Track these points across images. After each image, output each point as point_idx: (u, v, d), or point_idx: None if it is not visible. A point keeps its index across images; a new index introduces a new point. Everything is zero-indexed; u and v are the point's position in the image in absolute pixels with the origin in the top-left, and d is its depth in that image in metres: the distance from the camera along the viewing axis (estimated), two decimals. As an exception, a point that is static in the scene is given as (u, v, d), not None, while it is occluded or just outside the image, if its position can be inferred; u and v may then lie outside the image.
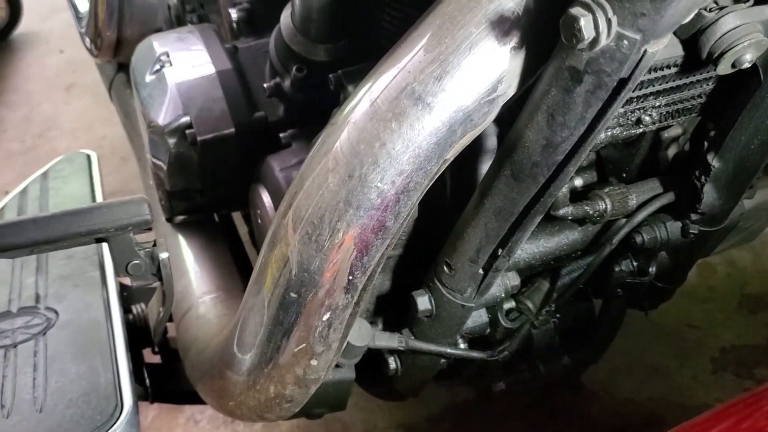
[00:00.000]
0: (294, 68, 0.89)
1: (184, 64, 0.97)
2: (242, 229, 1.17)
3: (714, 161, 0.78)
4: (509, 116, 0.60)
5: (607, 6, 0.46)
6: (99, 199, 1.09)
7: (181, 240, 1.02)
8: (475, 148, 0.73)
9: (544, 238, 0.85)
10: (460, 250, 0.70)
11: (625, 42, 0.47)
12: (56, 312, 0.86)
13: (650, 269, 0.88)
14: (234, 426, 1.40)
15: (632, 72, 0.50)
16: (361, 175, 0.57)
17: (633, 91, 0.69)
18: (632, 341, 1.29)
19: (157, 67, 0.97)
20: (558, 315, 0.94)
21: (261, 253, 0.67)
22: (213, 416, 1.42)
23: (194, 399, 0.94)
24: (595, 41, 0.47)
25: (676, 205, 0.84)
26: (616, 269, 0.89)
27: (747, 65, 0.63)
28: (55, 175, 1.15)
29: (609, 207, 0.82)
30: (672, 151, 0.87)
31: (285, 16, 0.90)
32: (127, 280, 0.87)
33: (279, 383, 0.69)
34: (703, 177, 0.79)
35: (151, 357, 1.00)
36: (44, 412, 0.72)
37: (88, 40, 1.33)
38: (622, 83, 0.51)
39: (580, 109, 0.53)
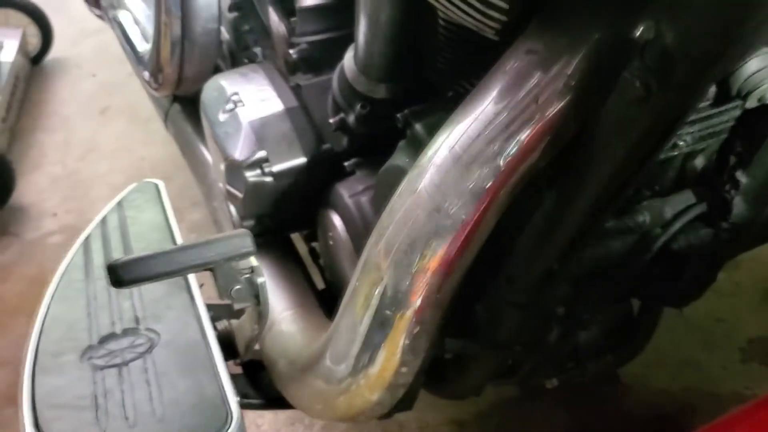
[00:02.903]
0: (358, 105, 0.99)
1: (255, 103, 1.07)
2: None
3: (742, 177, 0.87)
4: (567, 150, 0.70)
5: (657, 72, 0.56)
6: (174, 225, 1.19)
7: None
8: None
9: (590, 249, 0.95)
10: (521, 265, 0.80)
11: (672, 97, 0.57)
12: (156, 332, 0.97)
13: (684, 273, 0.98)
14: (293, 428, 1.51)
15: (675, 120, 0.60)
16: (447, 211, 0.68)
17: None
18: (664, 336, 1.38)
19: (230, 106, 1.08)
20: (601, 317, 1.04)
21: (353, 276, 0.78)
22: (273, 420, 1.53)
23: (278, 405, 1.05)
24: (646, 98, 0.57)
25: (708, 215, 0.93)
26: (654, 274, 0.99)
27: (771, 100, 0.73)
28: (129, 204, 1.25)
29: (648, 219, 0.92)
30: (700, 164, 0.97)
31: (348, 59, 1.00)
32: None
33: (370, 390, 0.80)
34: (732, 191, 0.89)
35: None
36: (164, 422, 0.83)
37: (147, 74, 1.44)
38: (668, 128, 0.61)
39: (630, 149, 0.63)
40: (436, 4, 0.72)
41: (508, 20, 0.66)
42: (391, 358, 0.75)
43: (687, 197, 0.94)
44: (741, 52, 0.56)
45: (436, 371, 0.97)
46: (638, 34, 0.61)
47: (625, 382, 1.43)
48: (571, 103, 0.64)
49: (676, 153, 0.85)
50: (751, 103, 0.73)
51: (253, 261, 0.85)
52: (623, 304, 1.07)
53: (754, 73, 0.71)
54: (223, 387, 0.87)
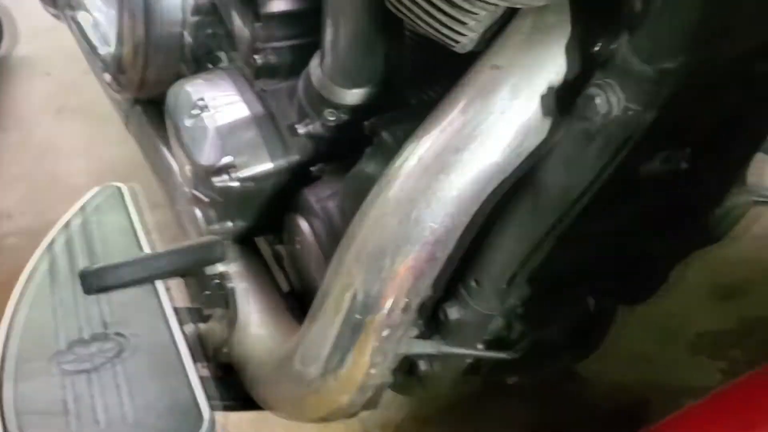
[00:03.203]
0: (324, 111, 1.01)
1: (221, 108, 1.08)
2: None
3: (694, 181, 0.92)
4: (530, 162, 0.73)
5: (617, 87, 0.60)
6: (139, 229, 1.20)
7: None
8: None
9: (551, 251, 0.98)
10: (487, 269, 0.83)
11: (630, 112, 0.61)
12: (125, 336, 0.97)
13: (639, 274, 1.03)
14: (258, 426, 1.52)
15: (633, 132, 0.64)
16: (417, 217, 0.70)
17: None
18: (619, 331, 1.44)
19: (196, 111, 1.08)
20: (560, 315, 1.08)
21: (324, 281, 0.80)
22: (237, 422, 1.54)
23: (247, 406, 1.07)
24: (607, 114, 0.61)
25: (660, 218, 0.98)
26: (611, 275, 1.03)
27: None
28: (92, 208, 1.26)
29: (604, 223, 0.96)
30: (655, 168, 1.01)
31: (314, 65, 1.02)
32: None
33: (340, 391, 0.82)
34: (685, 195, 0.94)
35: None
36: (136, 426, 0.84)
37: (108, 77, 1.43)
38: (627, 140, 0.64)
39: (591, 161, 0.67)
40: (404, 18, 0.74)
41: (473, 36, 0.68)
42: (361, 360, 0.78)
43: (641, 201, 0.98)
44: (698, 68, 0.59)
45: (402, 370, 0.99)
46: (599, 51, 0.65)
47: (584, 376, 1.48)
48: (535, 117, 0.67)
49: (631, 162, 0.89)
50: (699, 115, 0.77)
51: (223, 266, 0.86)
52: (581, 303, 1.11)
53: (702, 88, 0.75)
54: (193, 390, 0.89)
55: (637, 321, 1.53)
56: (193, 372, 0.91)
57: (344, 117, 1.00)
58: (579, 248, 0.99)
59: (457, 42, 0.72)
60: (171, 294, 1.06)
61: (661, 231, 0.97)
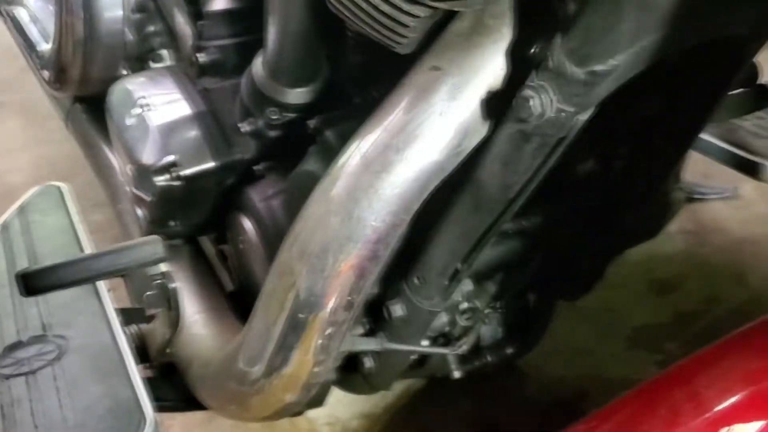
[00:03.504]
0: (267, 110, 1.01)
1: (162, 107, 1.08)
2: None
3: (628, 179, 0.95)
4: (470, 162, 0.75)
5: (551, 89, 0.62)
6: (80, 229, 1.18)
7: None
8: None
9: (491, 248, 1.01)
10: (429, 266, 0.85)
11: (564, 114, 0.63)
12: (65, 338, 0.96)
13: (576, 270, 1.06)
14: (206, 426, 1.51)
15: (568, 133, 0.66)
16: (359, 216, 0.71)
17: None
18: (559, 325, 1.47)
19: (138, 110, 1.07)
20: (501, 310, 1.10)
21: (267, 280, 0.80)
22: (184, 422, 1.53)
23: (192, 406, 1.06)
24: (541, 115, 0.62)
25: (595, 216, 1.01)
26: (549, 271, 1.06)
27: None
28: (32, 208, 1.23)
29: (542, 220, 0.98)
30: (590, 167, 1.04)
31: (257, 63, 1.02)
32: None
33: (284, 390, 0.82)
34: (619, 193, 0.97)
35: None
36: (77, 428, 0.83)
37: (47, 74, 1.41)
38: (560, 141, 0.67)
39: (527, 161, 0.69)
40: (345, 19, 0.75)
41: (414, 37, 0.70)
42: (305, 359, 0.78)
43: (578, 199, 1.01)
44: (628, 70, 0.61)
45: (346, 367, 1.00)
46: (535, 53, 0.67)
47: (525, 370, 1.51)
48: (473, 118, 0.69)
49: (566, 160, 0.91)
50: (629, 118, 0.80)
51: (165, 266, 0.86)
52: (520, 298, 1.14)
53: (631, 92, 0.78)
54: (136, 391, 0.88)
55: (577, 315, 1.57)
56: (136, 373, 0.90)
57: (287, 116, 1.01)
58: (517, 245, 1.02)
59: (398, 43, 0.73)
60: (113, 294, 1.05)
61: (597, 227, 1.00)
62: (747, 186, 1.81)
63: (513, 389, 1.48)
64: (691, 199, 1.77)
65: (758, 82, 0.91)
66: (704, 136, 1.23)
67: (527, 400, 1.48)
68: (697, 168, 1.79)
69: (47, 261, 0.85)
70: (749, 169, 1.26)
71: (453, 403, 1.46)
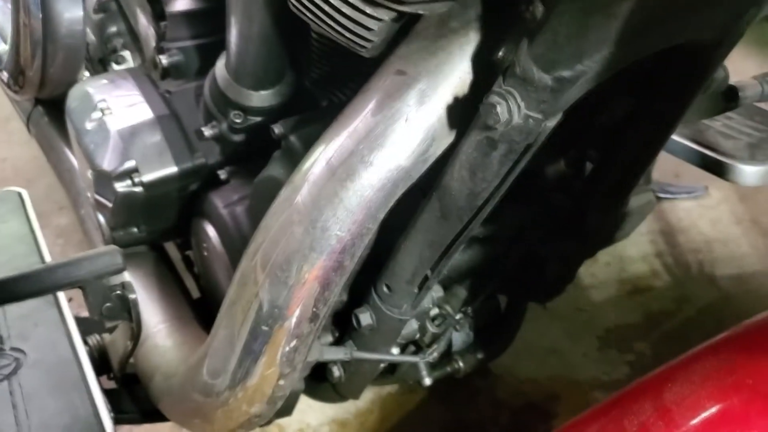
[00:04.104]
0: (231, 114, 0.98)
1: (123, 110, 1.04)
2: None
3: (595, 183, 0.94)
4: (437, 169, 0.73)
5: (518, 95, 0.60)
6: (39, 237, 1.14)
7: (127, 272, 1.10)
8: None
9: (460, 254, 0.99)
10: (398, 274, 0.83)
11: (531, 120, 0.61)
12: (23, 351, 0.92)
13: (546, 272, 1.05)
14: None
15: (536, 139, 0.64)
16: (323, 226, 0.69)
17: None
18: (530, 326, 1.46)
19: (98, 114, 1.04)
20: (472, 315, 1.09)
21: (230, 290, 0.78)
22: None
23: (154, 418, 1.03)
24: (508, 122, 0.61)
25: (566, 219, 1.00)
26: (519, 274, 1.04)
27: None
28: (-11, 215, 1.19)
29: (511, 225, 0.97)
30: (558, 171, 1.03)
31: (220, 66, 0.99)
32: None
33: (249, 403, 0.80)
34: (587, 196, 0.96)
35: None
36: (32, 446, 0.80)
37: (6, 76, 1.36)
38: (528, 147, 0.65)
39: (495, 168, 0.67)
40: (309, 22, 0.73)
41: (379, 41, 0.68)
42: (269, 372, 0.76)
43: (547, 203, 1.00)
44: (596, 75, 0.60)
45: (316, 376, 0.98)
46: (502, 57, 0.65)
47: (496, 373, 1.50)
48: (440, 123, 0.67)
49: (534, 165, 0.90)
50: (600, 121, 0.79)
51: (125, 276, 0.83)
52: (491, 301, 1.13)
53: (600, 96, 0.77)
54: (95, 404, 0.85)
55: (548, 316, 1.57)
56: (96, 385, 0.87)
57: (251, 119, 0.98)
58: (487, 249, 1.00)
59: (362, 47, 0.71)
60: (73, 304, 1.02)
61: (567, 230, 0.99)
62: (717, 186, 1.82)
63: (484, 392, 1.48)
64: (661, 199, 1.77)
65: (728, 83, 0.91)
66: (674, 136, 1.23)
67: (498, 402, 1.47)
68: (668, 168, 1.80)
69: (4, 271, 0.82)
70: (719, 169, 1.25)
71: (425, 407, 1.45)
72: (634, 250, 1.71)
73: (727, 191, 1.83)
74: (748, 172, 1.22)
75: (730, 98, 1.06)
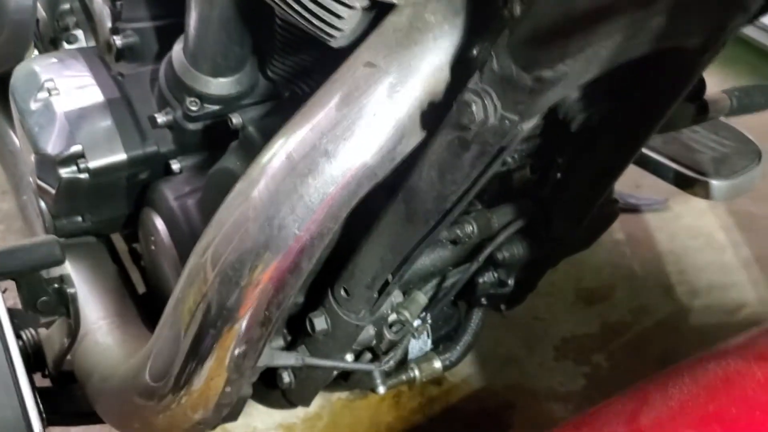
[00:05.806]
0: (187, 100, 0.93)
1: (71, 92, 0.98)
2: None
3: (561, 191, 0.91)
4: (405, 168, 0.69)
5: (494, 94, 0.56)
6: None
7: (67, 263, 1.04)
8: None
9: (422, 258, 0.95)
10: (358, 277, 0.79)
11: (507, 122, 0.58)
12: (-52, 346, 0.86)
13: (509, 281, 1.02)
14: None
15: (510, 142, 0.61)
16: (280, 223, 0.64)
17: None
18: (488, 334, 1.44)
19: (44, 94, 0.98)
20: (430, 322, 1.05)
21: (177, 288, 0.72)
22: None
23: (90, 420, 0.97)
24: (483, 122, 0.57)
25: (531, 227, 0.97)
26: (481, 281, 1.01)
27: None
28: None
29: (476, 230, 0.94)
30: (525, 178, 1.00)
31: (177, 50, 0.94)
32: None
33: (192, 409, 0.75)
34: (552, 204, 0.93)
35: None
36: (-48, 450, 0.73)
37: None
38: (501, 150, 0.61)
39: (466, 170, 0.63)
40: (273, 5, 0.68)
41: (348, 30, 0.64)
42: (215, 378, 0.71)
43: (511, 210, 0.97)
44: (577, 77, 0.57)
45: (264, 381, 0.93)
46: (478, 54, 0.62)
47: (452, 380, 1.47)
48: (410, 120, 0.63)
49: (505, 168, 0.87)
50: (574, 126, 0.76)
51: (65, 268, 0.77)
52: (451, 309, 1.09)
53: (577, 100, 0.74)
54: (24, 404, 0.79)
55: (505, 324, 1.54)
56: (26, 384, 0.81)
57: (208, 107, 0.93)
58: (450, 254, 0.97)
59: (331, 36, 0.67)
60: (8, 295, 0.95)
61: (530, 238, 0.96)
62: (677, 199, 1.82)
63: (438, 399, 1.44)
64: (623, 210, 1.76)
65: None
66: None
67: (452, 410, 1.44)
68: (629, 178, 1.80)
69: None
70: (683, 183, 1.25)
71: (376, 413, 1.41)
72: (592, 259, 1.70)
73: (687, 204, 1.83)
74: (713, 188, 1.22)
75: (700, 111, 1.04)
